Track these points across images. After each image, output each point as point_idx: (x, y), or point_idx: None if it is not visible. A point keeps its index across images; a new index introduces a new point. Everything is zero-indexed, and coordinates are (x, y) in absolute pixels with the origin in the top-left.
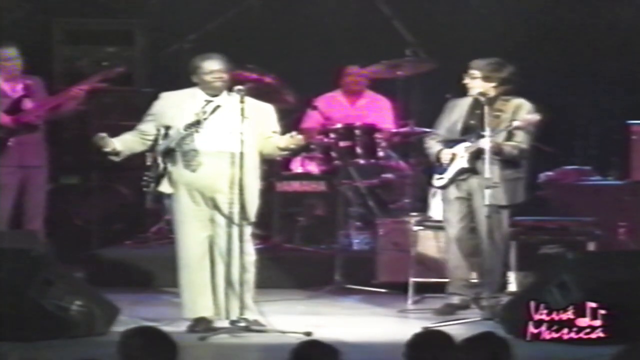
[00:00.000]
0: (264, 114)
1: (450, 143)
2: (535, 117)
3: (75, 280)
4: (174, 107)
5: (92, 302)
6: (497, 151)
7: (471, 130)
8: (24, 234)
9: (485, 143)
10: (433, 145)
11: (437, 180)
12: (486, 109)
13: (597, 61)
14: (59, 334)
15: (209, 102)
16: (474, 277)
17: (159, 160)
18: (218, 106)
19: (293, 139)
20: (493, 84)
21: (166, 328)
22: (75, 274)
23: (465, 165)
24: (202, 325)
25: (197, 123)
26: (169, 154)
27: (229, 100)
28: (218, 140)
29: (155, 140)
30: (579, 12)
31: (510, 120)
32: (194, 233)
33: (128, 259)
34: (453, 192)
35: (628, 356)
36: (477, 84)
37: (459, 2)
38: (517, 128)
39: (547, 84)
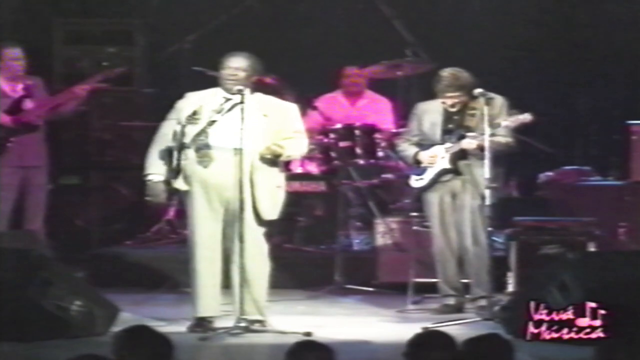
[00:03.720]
0: (284, 113)
1: (427, 145)
2: (527, 117)
3: (75, 280)
4: (194, 105)
5: (92, 302)
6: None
7: (450, 132)
8: (24, 234)
9: (468, 143)
10: (408, 148)
11: (416, 182)
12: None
13: (597, 61)
14: (59, 334)
15: (227, 99)
16: (464, 278)
17: (174, 156)
18: (236, 104)
19: (267, 149)
20: (466, 94)
21: (166, 328)
22: (75, 274)
23: (447, 165)
24: (202, 326)
25: (212, 122)
26: (183, 149)
27: (249, 99)
28: (230, 137)
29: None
30: (579, 12)
31: (494, 117)
32: (207, 230)
33: (128, 259)
34: (436, 193)
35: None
36: (459, 100)
37: (458, 2)
38: (508, 128)
39: (546, 84)
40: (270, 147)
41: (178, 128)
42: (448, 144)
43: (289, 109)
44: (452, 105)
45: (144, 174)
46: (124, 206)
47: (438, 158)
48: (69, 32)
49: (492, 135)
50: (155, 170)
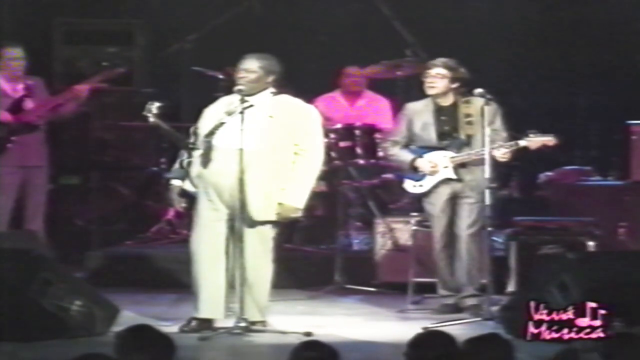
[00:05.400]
0: (295, 115)
1: (421, 150)
2: (551, 140)
3: (75, 280)
4: (212, 109)
5: (92, 302)
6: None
7: (446, 136)
8: (24, 234)
9: (479, 153)
10: (401, 153)
11: (414, 187)
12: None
13: (596, 61)
14: (59, 334)
15: (244, 101)
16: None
17: (185, 156)
18: (250, 105)
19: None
20: (456, 85)
21: (166, 328)
22: (75, 274)
23: (452, 175)
24: (195, 326)
25: (221, 124)
26: (193, 150)
27: (263, 101)
28: (231, 138)
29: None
30: (579, 11)
31: (488, 124)
32: (209, 230)
33: (128, 259)
34: (436, 195)
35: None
36: (442, 84)
37: (458, 2)
38: (527, 149)
39: (546, 84)
40: (279, 213)
41: (192, 130)
42: (450, 153)
43: (302, 112)
44: (443, 97)
45: (167, 178)
46: (124, 206)
47: (440, 167)
48: (69, 32)
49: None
50: (173, 174)
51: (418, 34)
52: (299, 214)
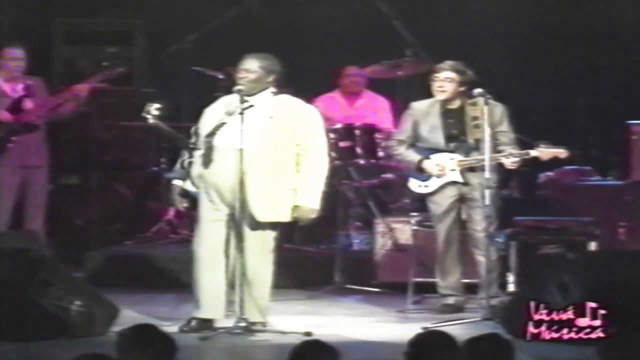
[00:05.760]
0: (295, 115)
1: (428, 151)
2: (563, 152)
3: (75, 280)
4: (213, 109)
5: (92, 302)
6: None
7: (454, 139)
8: (24, 234)
9: (486, 158)
10: (407, 154)
11: (419, 187)
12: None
13: (597, 61)
14: (59, 334)
15: (243, 101)
16: (465, 278)
17: (186, 156)
18: (251, 105)
19: (294, 212)
20: (463, 88)
21: (166, 328)
22: (75, 274)
23: (459, 179)
24: (195, 326)
25: (222, 124)
26: (194, 150)
27: (264, 101)
28: (231, 138)
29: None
30: (579, 12)
31: (496, 125)
32: (210, 231)
33: (128, 259)
34: (442, 195)
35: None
36: (451, 88)
37: (458, 2)
38: (537, 159)
39: (546, 84)
40: (297, 216)
41: (193, 130)
42: (458, 156)
43: (303, 111)
44: (451, 100)
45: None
46: (124, 206)
47: (447, 169)
48: (69, 32)
49: (497, 150)
50: (175, 175)
51: (418, 34)
52: (316, 214)
